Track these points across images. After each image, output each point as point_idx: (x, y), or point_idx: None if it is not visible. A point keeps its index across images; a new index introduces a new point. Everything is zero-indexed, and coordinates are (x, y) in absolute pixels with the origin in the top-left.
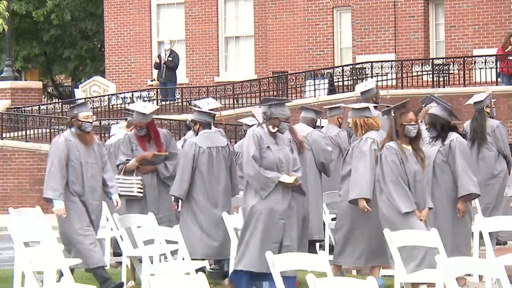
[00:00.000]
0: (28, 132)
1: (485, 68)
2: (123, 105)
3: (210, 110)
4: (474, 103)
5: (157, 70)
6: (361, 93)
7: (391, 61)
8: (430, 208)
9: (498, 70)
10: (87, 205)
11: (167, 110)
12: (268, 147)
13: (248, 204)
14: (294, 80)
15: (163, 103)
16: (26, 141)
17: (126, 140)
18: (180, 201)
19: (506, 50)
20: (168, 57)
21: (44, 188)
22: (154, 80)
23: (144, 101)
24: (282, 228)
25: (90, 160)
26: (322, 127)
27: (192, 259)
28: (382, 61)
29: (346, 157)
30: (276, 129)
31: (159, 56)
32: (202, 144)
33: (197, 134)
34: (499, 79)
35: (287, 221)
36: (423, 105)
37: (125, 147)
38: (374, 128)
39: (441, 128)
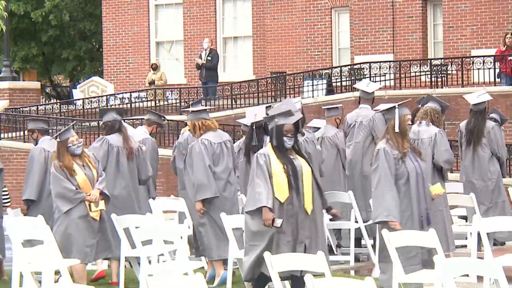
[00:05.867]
0: (26, 132)
1: (483, 69)
2: (121, 106)
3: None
4: (476, 104)
5: (199, 70)
6: (367, 93)
7: (389, 61)
8: None
9: (500, 70)
10: None
11: (165, 111)
12: None
13: None
14: (292, 81)
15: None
16: (25, 142)
17: None
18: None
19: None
20: (207, 56)
21: None
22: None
23: (142, 101)
24: None
25: None
26: (319, 128)
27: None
28: (380, 62)
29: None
30: None
31: (200, 56)
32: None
33: (37, 142)
34: (498, 79)
35: None
36: (420, 105)
37: None
38: (211, 129)
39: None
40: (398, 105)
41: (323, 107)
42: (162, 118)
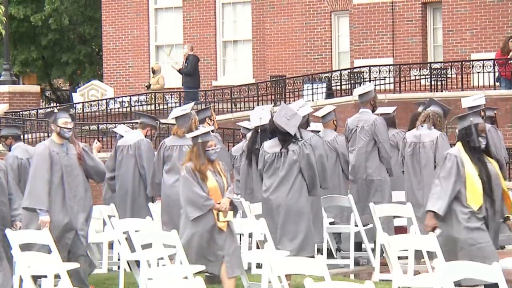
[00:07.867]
0: (26, 136)
1: (483, 72)
2: (121, 109)
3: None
4: (470, 107)
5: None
6: (359, 95)
7: (389, 65)
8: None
9: (499, 74)
10: None
11: (164, 115)
12: None
13: None
14: (292, 84)
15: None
16: None
17: None
18: None
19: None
20: (185, 62)
21: None
22: (149, 84)
23: (142, 105)
24: None
25: None
26: (319, 131)
27: None
28: (380, 65)
29: None
30: None
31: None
32: (23, 156)
33: (10, 148)
34: (497, 83)
35: None
36: (420, 109)
37: None
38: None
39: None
40: None
41: (315, 115)
42: (156, 121)
